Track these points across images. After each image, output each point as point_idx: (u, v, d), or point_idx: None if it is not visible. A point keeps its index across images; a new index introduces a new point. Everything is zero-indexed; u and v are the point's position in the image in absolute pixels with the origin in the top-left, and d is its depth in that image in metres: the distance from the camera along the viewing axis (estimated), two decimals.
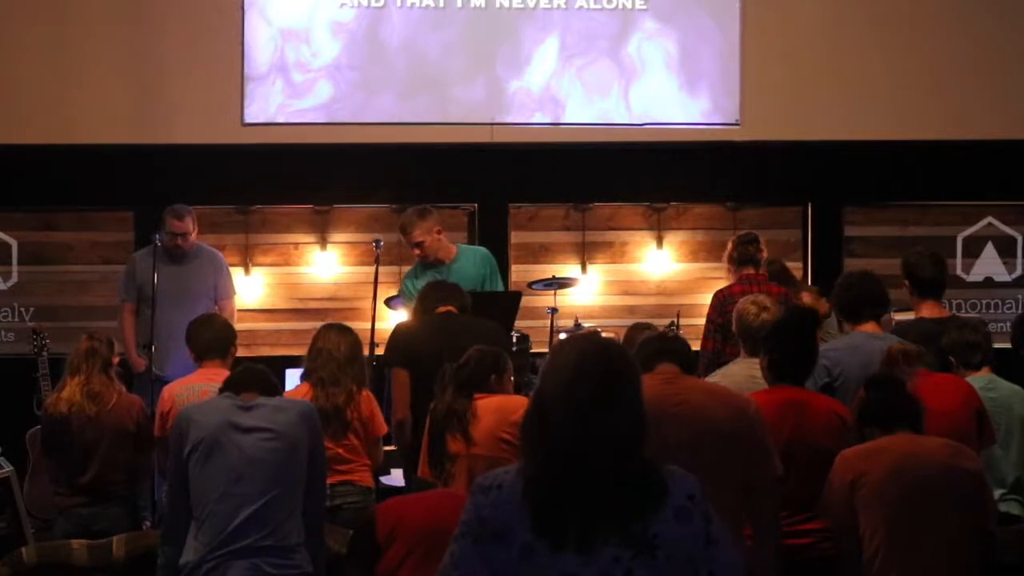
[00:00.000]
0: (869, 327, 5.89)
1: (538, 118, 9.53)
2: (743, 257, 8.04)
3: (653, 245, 9.73)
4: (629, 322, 8.61)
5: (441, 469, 5.12)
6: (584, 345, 2.90)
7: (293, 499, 4.66)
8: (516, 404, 5.28)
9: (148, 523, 6.85)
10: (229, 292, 8.47)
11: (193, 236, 8.32)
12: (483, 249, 8.14)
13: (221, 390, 4.92)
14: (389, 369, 6.60)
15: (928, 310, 6.20)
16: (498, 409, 5.23)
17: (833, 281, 6.15)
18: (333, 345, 6.07)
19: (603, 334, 7.65)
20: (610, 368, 2.85)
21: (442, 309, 6.47)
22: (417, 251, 7.78)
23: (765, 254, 8.17)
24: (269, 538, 4.57)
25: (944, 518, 4.50)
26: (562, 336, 7.79)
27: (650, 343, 4.66)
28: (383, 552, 4.55)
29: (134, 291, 8.28)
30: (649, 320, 8.03)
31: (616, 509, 2.78)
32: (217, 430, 4.62)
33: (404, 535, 4.53)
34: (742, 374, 5.51)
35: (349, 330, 6.21)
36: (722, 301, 7.97)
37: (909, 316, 6.64)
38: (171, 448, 4.77)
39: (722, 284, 8.41)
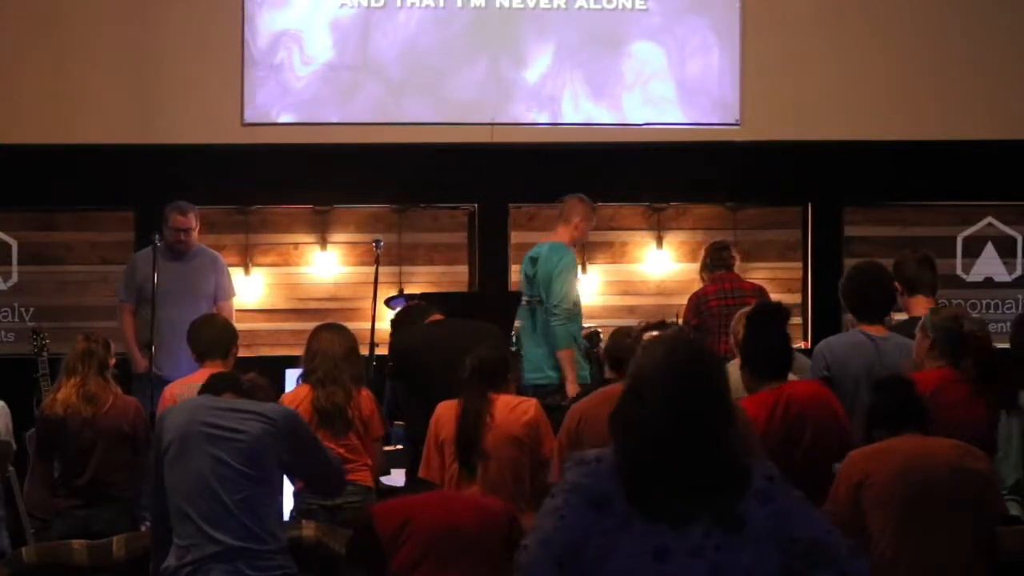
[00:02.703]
0: (874, 328, 5.88)
1: (538, 118, 9.53)
2: (715, 263, 8.19)
3: (653, 245, 9.73)
4: (629, 322, 8.62)
5: (472, 468, 5.26)
6: (674, 339, 3.19)
7: (268, 502, 4.62)
8: (527, 405, 5.63)
9: (147, 524, 6.83)
10: (229, 293, 8.49)
11: (195, 233, 8.33)
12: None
13: (199, 393, 4.91)
14: (392, 378, 6.68)
15: (920, 308, 6.18)
16: (512, 410, 5.53)
17: (834, 281, 6.12)
18: (328, 344, 6.09)
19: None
20: (699, 356, 3.08)
21: (432, 318, 6.54)
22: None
23: (738, 260, 8.26)
24: (248, 541, 4.53)
25: (952, 519, 4.51)
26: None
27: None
28: (393, 553, 4.53)
29: (134, 291, 8.28)
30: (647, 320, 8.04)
31: (707, 488, 2.95)
32: (185, 430, 4.60)
33: (417, 535, 4.52)
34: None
35: (343, 328, 6.24)
36: (696, 303, 8.11)
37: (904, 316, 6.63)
38: (152, 450, 4.76)
39: None
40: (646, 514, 2.94)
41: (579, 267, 8.36)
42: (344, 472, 5.19)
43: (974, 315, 9.06)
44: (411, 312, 6.81)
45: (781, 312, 5.34)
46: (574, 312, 8.07)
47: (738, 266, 8.31)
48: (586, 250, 9.57)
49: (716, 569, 2.92)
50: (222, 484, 4.53)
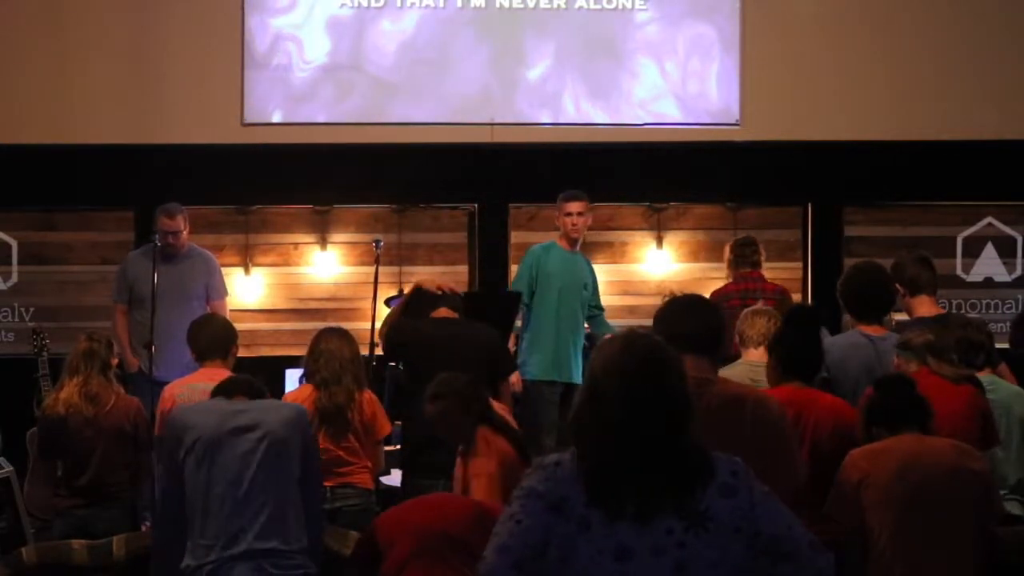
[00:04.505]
0: (873, 328, 5.88)
1: (538, 118, 9.53)
2: (740, 260, 8.13)
3: (653, 245, 9.73)
4: (630, 322, 8.63)
5: None
6: (629, 335, 3.13)
7: (291, 501, 4.64)
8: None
9: (148, 524, 6.84)
10: (222, 292, 8.48)
11: (185, 235, 8.31)
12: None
13: (212, 396, 4.94)
14: (388, 368, 6.67)
15: (923, 308, 6.19)
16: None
17: (834, 281, 6.12)
18: (336, 347, 6.12)
19: None
20: (654, 350, 3.05)
21: (438, 313, 6.51)
22: (575, 220, 8.29)
23: (763, 256, 8.21)
24: (271, 540, 4.55)
25: (950, 519, 4.51)
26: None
27: (670, 321, 4.01)
28: (387, 554, 4.55)
29: (126, 292, 8.29)
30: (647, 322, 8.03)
31: (669, 483, 2.93)
32: (213, 431, 4.61)
33: (407, 536, 4.54)
34: (745, 376, 5.53)
35: (347, 332, 6.26)
36: (718, 300, 8.04)
37: (906, 316, 6.63)
38: (164, 451, 4.76)
39: (721, 283, 8.45)
40: (607, 515, 2.91)
41: (532, 260, 8.38)
42: (324, 524, 5.17)
43: (973, 315, 9.10)
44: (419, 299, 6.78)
45: (815, 316, 5.32)
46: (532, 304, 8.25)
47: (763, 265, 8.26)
48: (586, 250, 9.56)
49: (680, 566, 2.90)
50: (249, 484, 4.56)
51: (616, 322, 8.58)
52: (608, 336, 3.25)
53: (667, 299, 4.23)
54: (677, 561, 2.90)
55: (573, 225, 8.31)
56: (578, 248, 8.44)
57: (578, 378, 8.15)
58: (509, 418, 5.60)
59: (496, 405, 5.61)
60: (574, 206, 8.33)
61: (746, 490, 2.98)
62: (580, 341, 8.32)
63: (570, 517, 2.92)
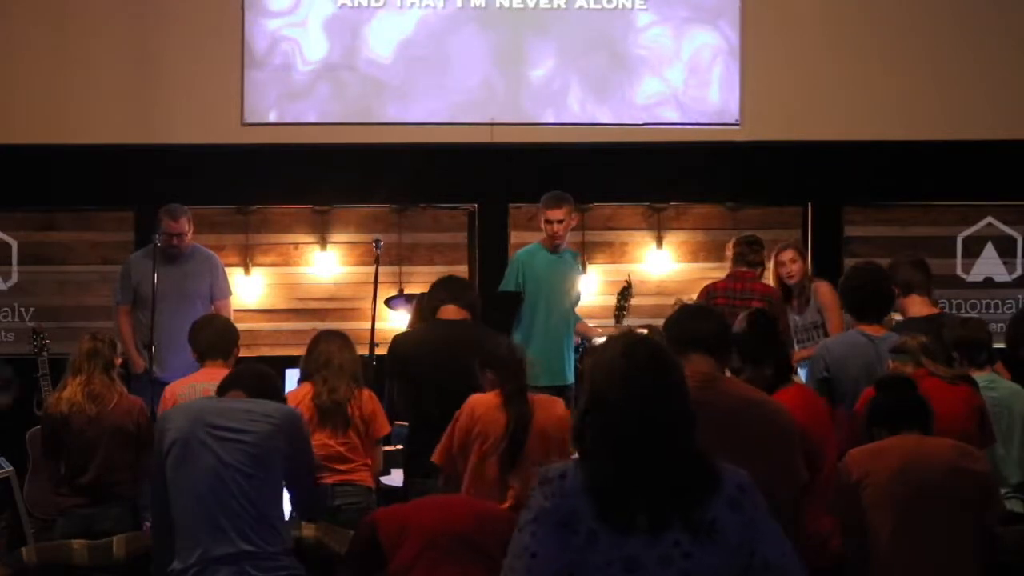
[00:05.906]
0: (873, 328, 5.89)
1: (538, 118, 9.53)
2: (737, 258, 8.13)
3: (653, 245, 9.73)
4: (630, 322, 8.64)
5: (513, 465, 5.33)
6: (627, 338, 3.08)
7: (274, 503, 4.60)
8: (554, 401, 5.69)
9: (149, 523, 6.83)
10: (225, 292, 8.48)
11: (189, 236, 8.32)
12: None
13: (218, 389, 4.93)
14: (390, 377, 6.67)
15: (915, 308, 6.22)
16: (544, 407, 5.52)
17: (834, 281, 6.14)
18: (334, 347, 6.12)
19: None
20: (655, 353, 3.02)
21: (445, 313, 6.43)
22: (555, 228, 8.24)
23: (763, 257, 8.17)
24: (254, 543, 4.50)
25: (950, 518, 4.52)
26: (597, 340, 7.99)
27: (680, 324, 4.23)
28: (393, 556, 4.54)
29: (130, 293, 8.29)
30: (650, 321, 8.04)
31: (677, 494, 2.91)
32: (189, 431, 4.57)
33: (414, 537, 4.54)
34: None
35: (344, 335, 6.26)
36: (707, 295, 8.06)
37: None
38: (154, 451, 4.74)
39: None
40: (613, 526, 2.88)
41: (518, 265, 8.41)
42: (322, 500, 5.16)
43: (973, 315, 9.10)
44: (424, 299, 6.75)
45: (771, 323, 5.32)
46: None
47: (766, 268, 8.22)
48: (586, 250, 9.57)
49: (685, 575, 2.89)
50: (228, 486, 4.50)
51: (612, 322, 8.58)
52: (603, 340, 3.22)
53: (676, 305, 4.37)
54: (683, 571, 2.89)
55: (554, 232, 8.28)
56: (564, 247, 8.40)
57: (570, 378, 8.14)
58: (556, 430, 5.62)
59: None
60: (555, 213, 8.28)
61: (751, 506, 2.97)
62: (571, 342, 8.31)
63: (579, 530, 2.90)
